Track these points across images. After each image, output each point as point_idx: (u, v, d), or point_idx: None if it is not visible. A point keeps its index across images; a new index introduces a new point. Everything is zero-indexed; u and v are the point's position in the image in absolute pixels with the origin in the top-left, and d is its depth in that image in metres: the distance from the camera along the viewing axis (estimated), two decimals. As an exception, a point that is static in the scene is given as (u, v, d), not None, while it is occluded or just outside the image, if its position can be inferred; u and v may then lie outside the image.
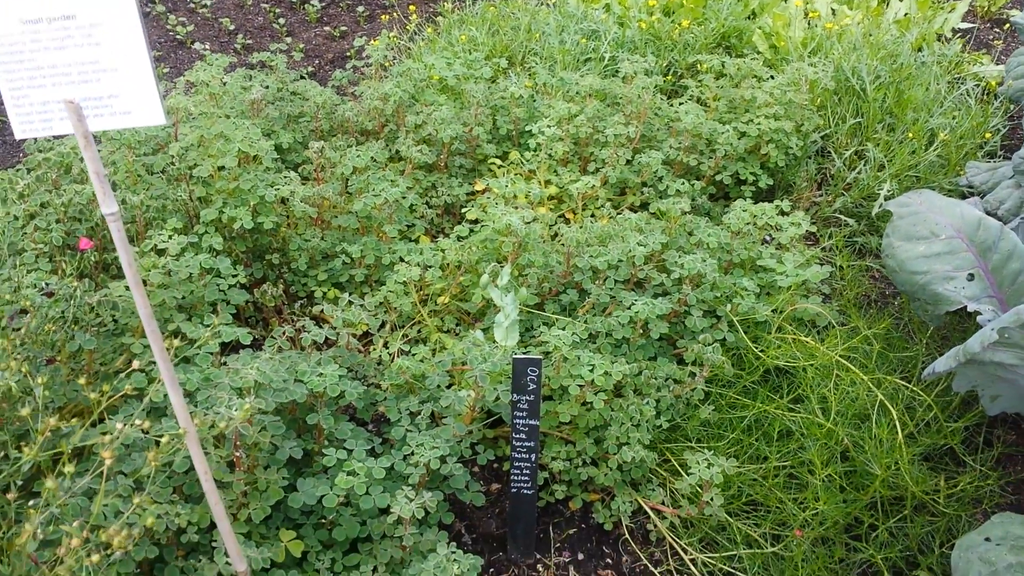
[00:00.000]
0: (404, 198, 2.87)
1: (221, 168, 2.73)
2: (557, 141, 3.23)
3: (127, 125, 1.21)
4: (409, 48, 4.43)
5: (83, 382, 1.36)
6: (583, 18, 4.41)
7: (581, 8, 4.53)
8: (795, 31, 4.28)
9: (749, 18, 4.61)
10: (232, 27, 5.27)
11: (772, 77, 3.53)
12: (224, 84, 3.17)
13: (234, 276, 2.48)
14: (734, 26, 4.33)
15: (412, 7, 5.18)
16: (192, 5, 5.60)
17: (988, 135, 3.55)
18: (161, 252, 2.44)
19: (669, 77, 4.18)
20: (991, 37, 5.13)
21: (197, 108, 2.83)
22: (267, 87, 3.48)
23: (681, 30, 4.28)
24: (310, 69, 4.84)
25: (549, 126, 3.24)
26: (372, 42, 4.84)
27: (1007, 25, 5.17)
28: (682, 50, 4.23)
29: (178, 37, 5.10)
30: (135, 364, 1.47)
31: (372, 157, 2.98)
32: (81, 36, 1.15)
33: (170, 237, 2.44)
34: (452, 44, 4.23)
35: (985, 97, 3.99)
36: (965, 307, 2.24)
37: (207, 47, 5.02)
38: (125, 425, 1.35)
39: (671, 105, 3.55)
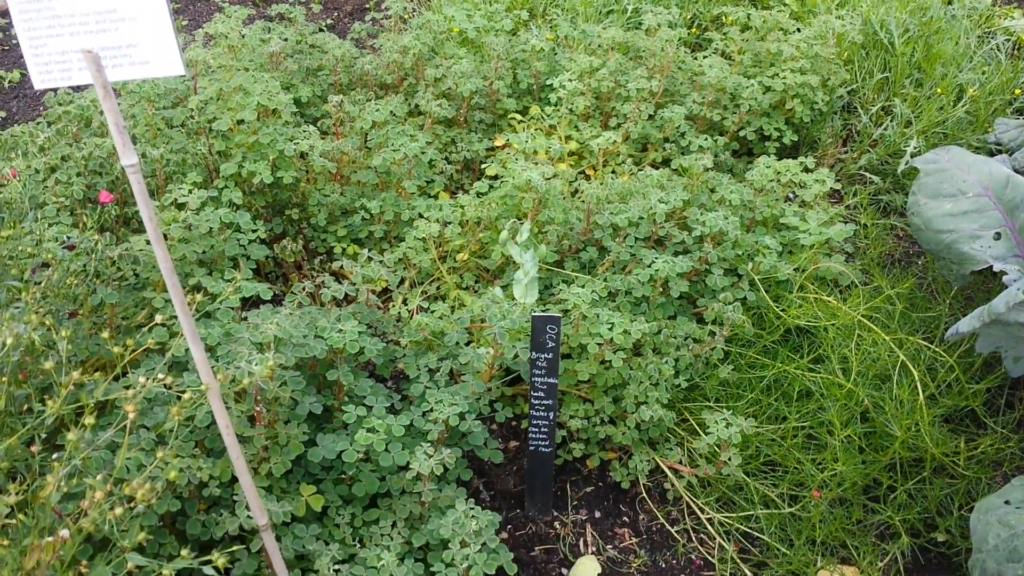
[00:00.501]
0: (423, 153, 2.85)
1: (240, 122, 2.72)
2: (578, 96, 3.19)
3: (146, 75, 1.20)
4: (429, 2, 4.36)
5: (106, 336, 1.37)
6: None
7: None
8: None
9: (776, -31, 4.50)
10: (250, -23, 5.21)
11: (799, 30, 3.45)
12: (243, 37, 3.14)
13: (254, 231, 2.48)
14: (760, -22, 4.24)
15: None
16: (209, -46, 5.54)
17: (1018, 91, 3.47)
18: (181, 206, 2.44)
19: (693, 30, 4.10)
20: (1025, -11, 4.99)
21: (216, 61, 2.81)
22: (286, 40, 3.44)
23: (706, -19, 4.18)
24: (329, 21, 4.79)
25: (570, 80, 3.19)
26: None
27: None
28: (707, 1, 4.15)
29: (196, -17, 5.05)
30: (157, 319, 1.47)
31: (391, 112, 2.95)
32: (114, 27, 1.14)
33: (190, 191, 2.44)
34: (473, -5, 4.16)
35: (1016, 52, 3.90)
36: (991, 267, 2.21)
37: (225, -1, 4.97)
38: (148, 380, 1.35)
39: (695, 59, 3.49)
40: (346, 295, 2.23)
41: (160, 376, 1.36)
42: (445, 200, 2.96)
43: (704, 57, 3.41)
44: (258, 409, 1.74)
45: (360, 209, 2.82)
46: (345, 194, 2.88)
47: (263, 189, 2.73)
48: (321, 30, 4.68)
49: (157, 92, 2.88)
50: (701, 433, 2.22)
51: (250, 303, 2.58)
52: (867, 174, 3.37)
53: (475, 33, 3.57)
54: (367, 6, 4.97)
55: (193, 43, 3.27)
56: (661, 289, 2.45)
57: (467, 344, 2.27)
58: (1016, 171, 2.96)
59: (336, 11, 4.97)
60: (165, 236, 2.31)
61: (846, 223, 2.75)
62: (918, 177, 2.41)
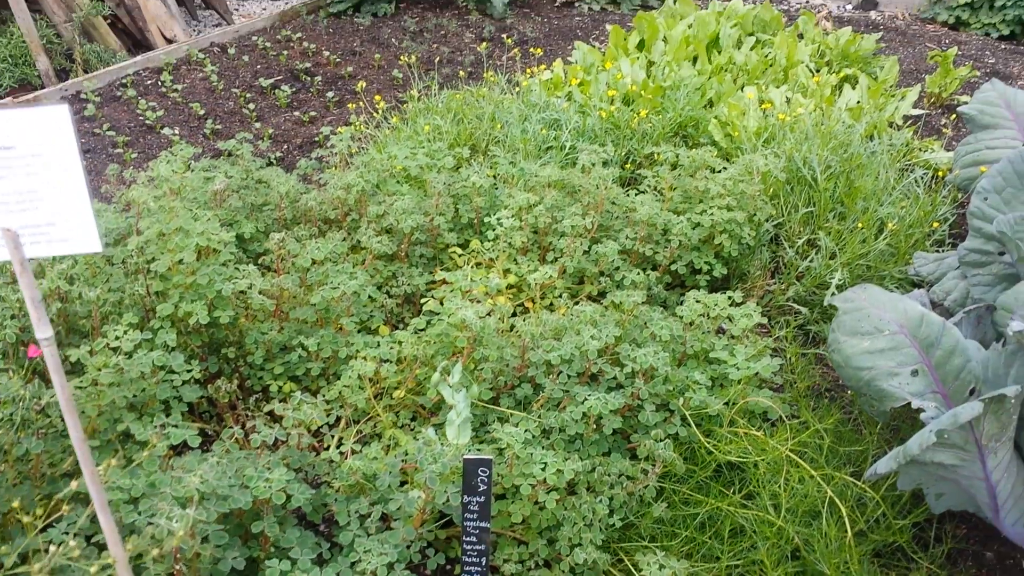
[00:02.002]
0: (362, 290, 2.90)
1: (180, 262, 2.75)
2: (516, 231, 3.29)
3: (64, 252, 1.24)
4: (375, 136, 4.51)
5: (16, 505, 1.35)
6: (545, 107, 4.53)
7: (544, 97, 4.65)
8: (749, 121, 4.41)
9: (706, 107, 4.75)
10: (202, 112, 5.34)
11: (725, 168, 3.61)
12: (184, 179, 3.19)
13: (188, 371, 2.48)
14: (691, 116, 4.46)
15: (378, 97, 5.28)
16: (163, 89, 5.68)
17: (936, 224, 3.65)
18: (115, 350, 2.43)
19: (628, 165, 4.28)
20: (942, 123, 5.31)
21: (157, 203, 2.86)
22: (230, 177, 3.52)
23: (640, 119, 4.39)
24: (278, 154, 4.91)
25: (507, 217, 3.29)
26: (339, 130, 4.92)
27: (953, 116, 5.35)
28: (640, 139, 4.34)
29: (147, 122, 5.16)
30: (74, 484, 1.46)
31: (331, 249, 3.01)
32: (20, 166, 1.19)
33: (125, 332, 2.44)
34: (417, 133, 4.31)
35: (934, 185, 4.12)
36: (910, 403, 2.28)
37: (176, 132, 5.08)
38: (58, 548, 1.34)
39: (628, 195, 3.63)
40: (276, 440, 2.22)
41: (72, 542, 1.34)
42: (385, 334, 2.99)
43: (636, 194, 3.55)
44: (178, 568, 1.71)
45: (298, 347, 2.83)
46: (284, 331, 2.90)
47: (199, 329, 2.74)
48: (270, 163, 4.80)
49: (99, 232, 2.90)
50: None
51: (181, 445, 2.55)
52: (795, 305, 3.48)
53: (417, 170, 3.69)
54: (316, 139, 5.11)
55: (136, 183, 3.33)
56: (595, 426, 2.48)
57: (402, 484, 2.25)
58: (935, 304, 3.09)
59: (286, 144, 5.10)
60: (96, 382, 2.30)
61: (774, 356, 2.83)
62: (837, 315, 2.50)
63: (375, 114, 5.09)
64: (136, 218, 3.05)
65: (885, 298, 2.50)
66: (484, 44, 6.65)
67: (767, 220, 3.65)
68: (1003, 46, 7.12)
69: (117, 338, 2.42)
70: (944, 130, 5.17)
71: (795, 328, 3.39)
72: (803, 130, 4.16)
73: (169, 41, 6.67)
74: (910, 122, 5.08)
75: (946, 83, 5.43)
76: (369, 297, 2.98)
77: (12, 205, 1.21)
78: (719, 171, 3.59)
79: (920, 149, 4.72)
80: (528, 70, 5.52)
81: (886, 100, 4.92)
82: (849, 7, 8.44)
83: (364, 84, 5.83)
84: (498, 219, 3.29)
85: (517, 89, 5.13)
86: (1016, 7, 7.11)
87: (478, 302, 2.85)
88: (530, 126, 4.28)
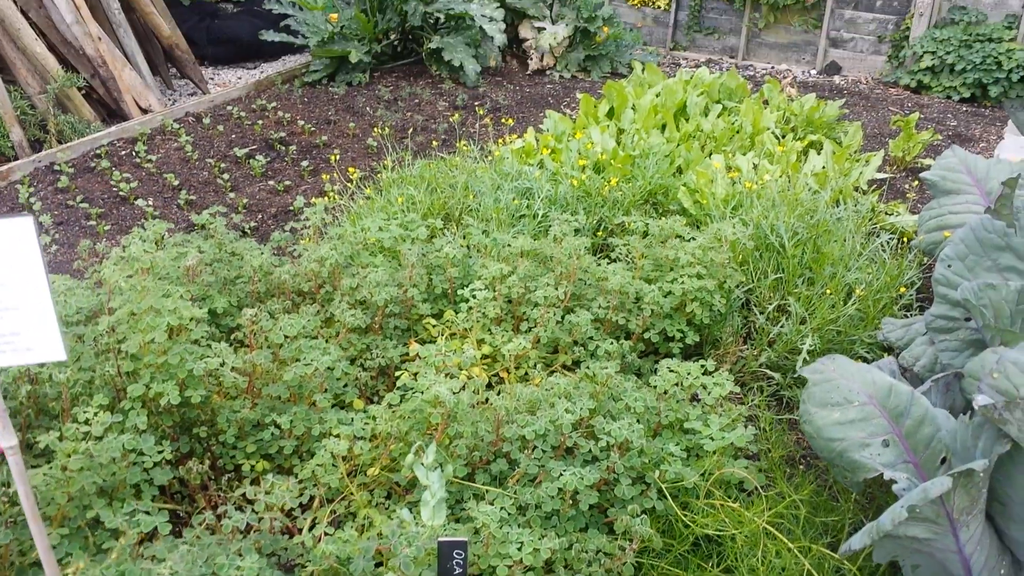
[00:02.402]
0: (335, 366, 2.89)
1: (151, 341, 2.74)
2: (489, 302, 3.30)
3: (28, 362, 1.24)
4: (349, 206, 4.54)
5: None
6: (518, 175, 4.59)
7: (516, 166, 4.71)
8: (718, 188, 4.49)
9: (675, 174, 4.83)
10: (176, 182, 5.36)
11: (694, 238, 3.67)
12: (156, 257, 3.18)
13: (159, 452, 2.45)
14: (660, 184, 4.54)
15: (352, 169, 5.32)
16: (138, 160, 5.71)
17: (903, 289, 3.71)
18: (86, 435, 2.40)
19: (600, 233, 4.33)
20: (906, 187, 5.43)
21: (128, 283, 2.86)
22: (202, 252, 3.52)
23: (611, 187, 4.46)
24: (253, 224, 4.92)
25: (481, 289, 3.31)
26: (314, 200, 4.96)
27: (916, 182, 5.48)
28: (612, 207, 4.40)
29: (121, 193, 5.17)
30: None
31: (304, 325, 3.01)
32: None
33: (95, 414, 2.41)
34: (391, 203, 4.35)
35: (901, 248, 4.19)
36: (882, 474, 2.30)
37: (150, 203, 5.09)
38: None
39: (600, 264, 3.67)
40: (248, 525, 2.19)
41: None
42: (360, 407, 2.98)
43: (609, 262, 3.59)
44: (146, 664, 1.67)
45: (271, 424, 2.81)
46: (256, 408, 2.88)
47: (171, 409, 2.72)
48: (244, 233, 4.81)
49: (68, 312, 2.89)
50: (613, 655, 2.19)
51: (152, 530, 2.51)
52: (768, 371, 3.51)
53: (391, 241, 3.71)
54: (291, 208, 5.14)
55: (108, 258, 3.32)
56: (571, 501, 2.47)
57: (377, 566, 2.22)
58: (904, 369, 3.12)
59: (260, 213, 5.11)
60: (65, 468, 2.27)
61: (748, 425, 2.84)
62: (807, 387, 2.53)
63: (349, 184, 5.13)
64: (108, 296, 3.04)
65: (853, 368, 2.53)
66: (457, 113, 6.75)
67: (737, 287, 3.70)
68: (964, 108, 7.33)
69: (87, 421, 2.39)
70: (908, 193, 5.29)
71: (768, 395, 3.41)
72: (770, 197, 4.24)
73: (144, 111, 6.72)
74: (875, 186, 5.19)
75: (909, 147, 5.57)
76: (343, 372, 2.97)
77: (-23, 313, 1.21)
78: (688, 239, 3.64)
79: (886, 212, 4.82)
80: (500, 140, 5.61)
81: (851, 165, 5.04)
82: (813, 72, 8.66)
83: (339, 153, 5.89)
84: (471, 291, 3.30)
85: (490, 157, 5.20)
86: (976, 71, 7.34)
87: (452, 376, 2.85)
88: (503, 195, 4.33)
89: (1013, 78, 7.20)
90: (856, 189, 4.98)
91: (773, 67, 8.82)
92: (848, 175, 4.91)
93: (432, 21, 7.73)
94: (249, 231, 4.86)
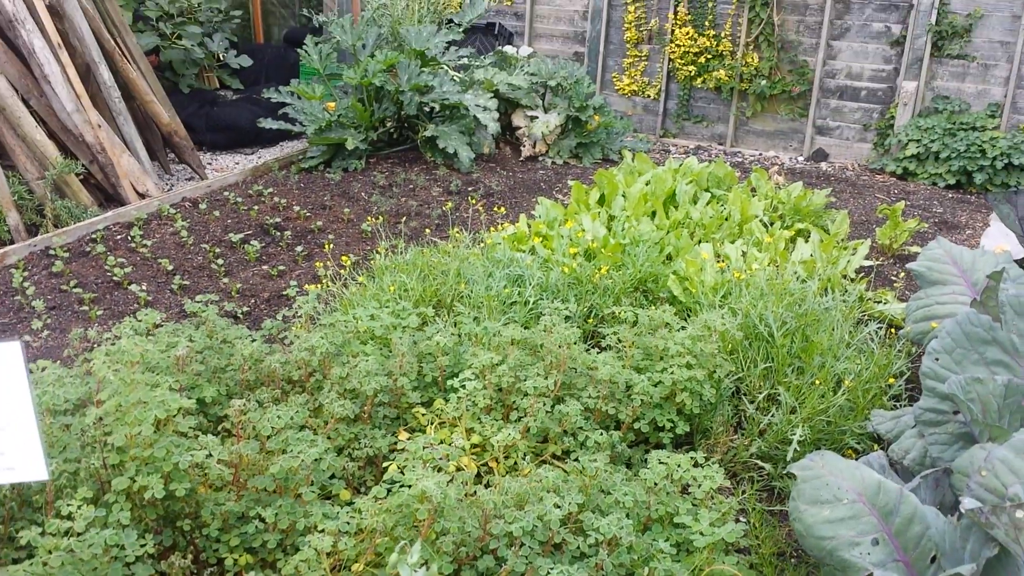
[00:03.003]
0: (322, 458, 2.87)
1: (138, 433, 2.72)
2: (479, 392, 3.30)
3: (9, 481, 1.24)
4: (342, 293, 4.57)
5: None
6: (509, 263, 4.64)
7: (508, 252, 4.76)
8: (707, 276, 4.54)
9: (665, 262, 4.89)
10: (171, 267, 5.40)
11: (683, 328, 3.69)
12: (145, 352, 3.18)
13: (141, 547, 2.42)
14: (650, 271, 4.58)
15: (345, 258, 5.37)
16: (133, 244, 5.76)
17: (892, 380, 3.72)
18: (67, 531, 2.37)
19: (591, 320, 4.36)
20: (894, 273, 5.49)
21: (117, 375, 2.86)
22: (192, 341, 3.53)
23: (601, 275, 4.51)
24: (245, 309, 4.94)
25: (471, 378, 3.32)
26: (309, 286, 4.99)
27: (902, 272, 5.54)
28: (602, 294, 4.44)
29: (115, 278, 5.20)
30: None
31: (292, 416, 3.00)
32: None
33: (78, 508, 2.39)
34: (383, 290, 4.38)
35: (889, 337, 4.22)
36: (872, 574, 2.27)
37: (144, 288, 5.11)
38: None
39: (590, 351, 3.68)
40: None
41: None
42: (346, 498, 2.95)
43: (599, 351, 3.61)
44: None
45: (255, 517, 2.78)
46: (241, 500, 2.85)
47: (155, 502, 2.69)
48: (236, 319, 4.83)
49: (56, 403, 2.88)
50: None
51: (131, 628, 2.46)
52: (758, 462, 3.49)
53: (382, 330, 3.73)
54: (284, 293, 5.17)
55: (98, 347, 3.32)
56: (558, 600, 2.43)
57: (358, 669, 2.17)
58: (893, 462, 3.11)
59: (253, 298, 5.14)
60: (45, 564, 2.23)
61: (739, 519, 2.82)
62: (796, 483, 2.52)
63: (342, 270, 5.17)
64: (96, 387, 3.04)
65: (842, 465, 2.53)
66: (451, 199, 6.86)
67: (727, 376, 3.71)
68: (950, 195, 7.46)
69: (70, 515, 2.36)
70: (896, 281, 5.35)
71: (760, 486, 3.38)
72: (758, 286, 4.29)
73: (141, 196, 6.80)
74: (863, 274, 5.25)
75: (896, 235, 5.65)
76: (330, 463, 2.95)
77: (-40, 427, 1.21)
78: (678, 329, 3.66)
79: (874, 300, 4.87)
80: (493, 226, 5.68)
81: (839, 253, 5.10)
82: (801, 159, 8.84)
83: (333, 238, 5.95)
84: (461, 380, 3.31)
85: (483, 244, 5.26)
86: (960, 159, 7.49)
87: (439, 470, 2.83)
88: (494, 283, 4.37)
89: (997, 165, 7.35)
90: (844, 277, 5.03)
91: (761, 154, 9.00)
92: (836, 263, 4.97)
93: (427, 110, 7.90)
94: (242, 316, 4.88)
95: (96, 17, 6.92)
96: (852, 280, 4.99)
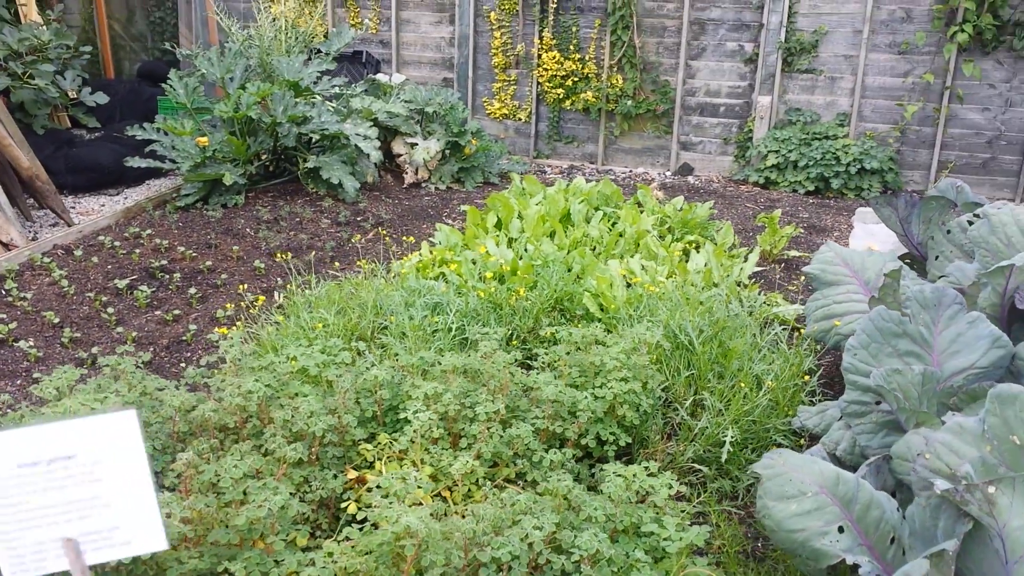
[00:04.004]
0: (288, 505, 2.80)
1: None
2: (431, 422, 3.30)
3: (127, 555, 1.18)
4: (257, 335, 4.44)
5: None
6: (426, 291, 4.64)
7: (421, 281, 4.77)
8: (618, 291, 4.71)
9: (575, 280, 5.02)
10: (57, 320, 5.09)
11: (603, 343, 3.80)
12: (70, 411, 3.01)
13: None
14: (565, 291, 4.70)
15: (261, 299, 5.22)
16: (10, 299, 5.39)
17: (806, 377, 3.98)
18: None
19: (514, 342, 4.42)
20: (778, 277, 5.85)
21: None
22: (121, 395, 3.36)
23: (519, 297, 4.58)
24: (147, 357, 4.72)
25: (421, 410, 3.31)
26: (220, 330, 4.82)
27: (785, 269, 5.91)
28: (522, 315, 4.52)
29: (-2, 335, 4.85)
30: None
31: (250, 465, 2.91)
32: (81, 474, 1.13)
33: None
34: (302, 327, 4.30)
35: (794, 339, 4.49)
36: (844, 560, 2.44)
37: (32, 343, 4.79)
38: None
39: (527, 373, 3.74)
40: None
41: None
42: (302, 543, 2.89)
43: (536, 373, 3.68)
44: None
45: (223, 573, 2.68)
46: (204, 557, 2.73)
47: (118, 568, 2.55)
48: (137, 367, 4.59)
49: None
50: None
51: None
52: (696, 465, 3.65)
53: (316, 369, 3.66)
54: (184, 338, 4.97)
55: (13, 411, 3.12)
56: (550, 620, 2.47)
57: None
58: (831, 456, 3.33)
59: (152, 346, 4.92)
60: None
61: (700, 523, 2.94)
62: (762, 482, 2.66)
63: (251, 309, 5.02)
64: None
65: (799, 461, 2.69)
66: (341, 232, 6.77)
67: (659, 386, 3.85)
68: (811, 200, 8.01)
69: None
70: (786, 284, 5.70)
71: (712, 491, 3.53)
72: (670, 298, 4.48)
73: (5, 245, 6.36)
74: (753, 280, 5.56)
75: (775, 241, 6.02)
76: (296, 510, 2.88)
77: (72, 514, 1.14)
78: (611, 345, 3.78)
79: (766, 303, 5.17)
80: (394, 254, 5.66)
81: (732, 262, 5.39)
82: (668, 173, 9.25)
83: (226, 277, 5.77)
84: (414, 412, 3.29)
85: (391, 274, 5.24)
86: (817, 166, 8.06)
87: (415, 504, 2.82)
88: (416, 312, 4.37)
89: (851, 171, 7.95)
90: (739, 284, 5.32)
91: (631, 170, 9.35)
92: (730, 272, 5.25)
93: (305, 141, 7.79)
94: (143, 366, 4.65)
95: (-58, 57, 6.45)
96: (746, 286, 5.28)
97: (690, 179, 9.01)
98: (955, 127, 8.27)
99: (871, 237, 6.64)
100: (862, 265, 4.35)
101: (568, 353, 3.84)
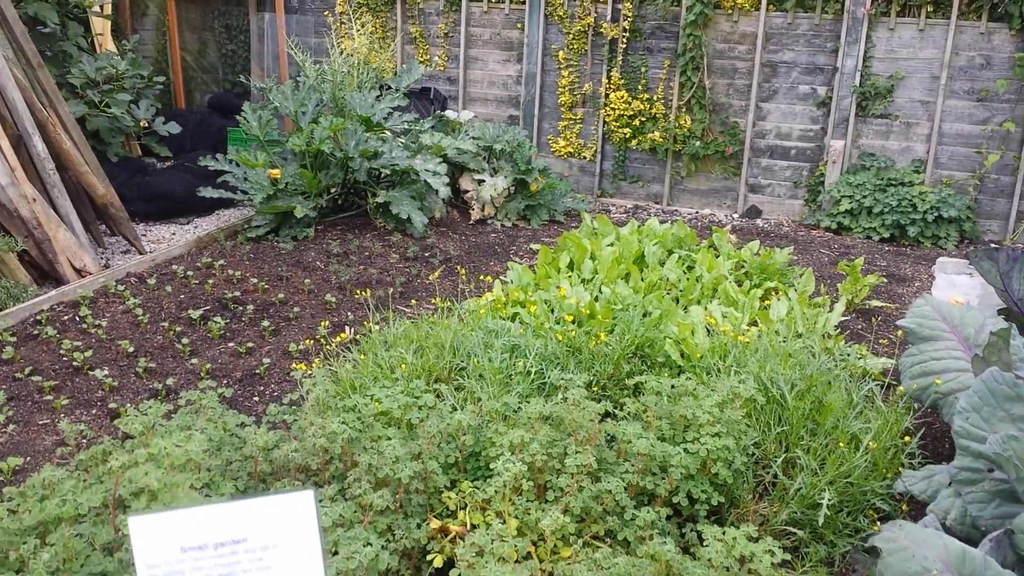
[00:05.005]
0: (379, 556, 2.71)
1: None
2: (521, 474, 3.19)
3: None
4: (335, 372, 4.38)
5: None
6: (503, 332, 4.56)
7: (499, 322, 4.68)
8: (699, 338, 4.57)
9: (655, 326, 4.90)
10: (131, 349, 5.10)
11: (710, 395, 3.67)
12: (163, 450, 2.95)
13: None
14: (646, 336, 4.58)
15: (341, 335, 5.18)
16: (84, 326, 5.42)
17: (907, 438, 3.80)
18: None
19: (594, 388, 4.30)
20: (860, 327, 5.66)
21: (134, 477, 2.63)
22: (206, 433, 3.31)
23: (599, 342, 4.47)
24: (221, 390, 4.68)
25: (511, 460, 3.21)
26: (298, 365, 4.79)
27: (871, 318, 5.72)
28: (603, 361, 4.40)
29: (75, 363, 4.86)
30: None
31: (340, 513, 2.83)
32: (251, 560, 1.06)
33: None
34: (381, 366, 4.23)
35: (890, 395, 4.31)
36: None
37: (107, 372, 4.80)
38: None
39: (615, 423, 3.62)
40: None
41: None
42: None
43: (624, 424, 3.56)
44: None
45: (312, 626, 2.58)
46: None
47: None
48: (222, 400, 4.56)
49: (78, 511, 2.64)
50: None
51: None
52: (790, 528, 3.48)
53: (400, 411, 3.58)
54: (256, 371, 4.94)
55: (82, 441, 3.07)
56: None
57: None
58: (944, 526, 3.15)
59: (225, 378, 4.90)
60: None
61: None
62: (882, 557, 2.51)
63: (325, 344, 4.98)
64: (114, 490, 2.79)
65: (923, 534, 2.54)
66: (411, 267, 6.74)
67: (752, 443, 3.71)
68: (886, 248, 7.80)
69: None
70: (864, 334, 5.51)
71: (794, 552, 3.37)
72: (755, 348, 4.33)
73: (79, 271, 6.43)
74: (838, 330, 5.38)
75: (857, 290, 5.84)
76: (387, 563, 2.79)
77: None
78: (705, 397, 3.64)
79: (857, 356, 4.99)
80: (469, 295, 5.59)
81: (815, 311, 5.23)
82: (735, 216, 9.10)
83: (298, 311, 5.75)
84: (504, 461, 3.19)
85: (468, 313, 5.16)
86: (893, 213, 7.86)
87: (500, 559, 2.71)
88: (494, 354, 4.28)
89: (928, 218, 7.73)
90: (824, 335, 5.15)
91: (697, 211, 9.23)
92: (815, 321, 5.08)
93: (375, 175, 7.80)
94: (209, 390, 4.61)
95: (28, 87, 6.58)
96: (831, 337, 5.11)
97: (759, 222, 8.85)
98: (1037, 176, 8.02)
99: (954, 288, 6.42)
100: (961, 320, 4.17)
101: (654, 403, 3.71)
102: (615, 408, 3.95)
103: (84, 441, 4.09)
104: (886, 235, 7.93)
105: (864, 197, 8.04)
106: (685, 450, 3.39)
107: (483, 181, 8.11)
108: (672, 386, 3.71)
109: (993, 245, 7.37)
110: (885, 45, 8.19)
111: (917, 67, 8.14)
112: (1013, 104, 7.94)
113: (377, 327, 4.85)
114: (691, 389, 3.69)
